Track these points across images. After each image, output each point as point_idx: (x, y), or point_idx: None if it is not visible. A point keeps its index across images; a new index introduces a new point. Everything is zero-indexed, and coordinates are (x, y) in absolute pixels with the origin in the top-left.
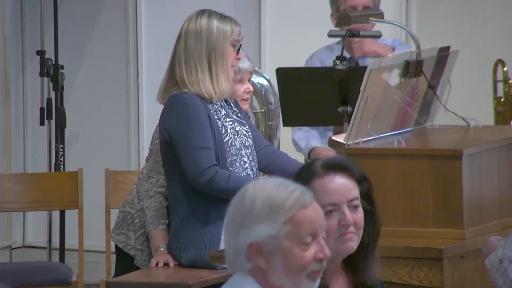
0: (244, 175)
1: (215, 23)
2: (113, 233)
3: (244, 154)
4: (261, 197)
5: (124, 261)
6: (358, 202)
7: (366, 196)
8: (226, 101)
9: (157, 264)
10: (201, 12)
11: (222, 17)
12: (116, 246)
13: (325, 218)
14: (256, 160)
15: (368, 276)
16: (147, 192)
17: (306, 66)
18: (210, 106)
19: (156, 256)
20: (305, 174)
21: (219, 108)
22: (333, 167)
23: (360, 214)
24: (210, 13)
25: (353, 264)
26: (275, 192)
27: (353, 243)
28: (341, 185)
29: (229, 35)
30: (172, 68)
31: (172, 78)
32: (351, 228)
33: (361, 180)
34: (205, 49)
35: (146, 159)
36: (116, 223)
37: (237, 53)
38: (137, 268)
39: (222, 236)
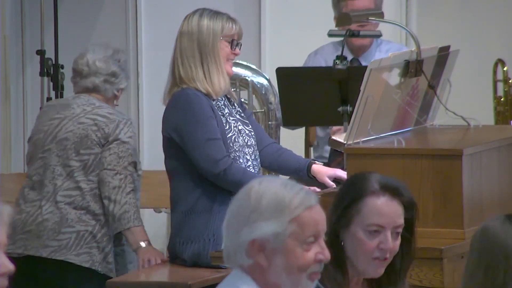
0: None
1: (205, 22)
2: (70, 254)
3: (246, 153)
4: (267, 194)
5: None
6: (401, 229)
7: (408, 223)
8: (229, 100)
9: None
10: (195, 12)
11: (215, 14)
12: (80, 266)
13: (366, 236)
14: (258, 159)
15: None
16: (122, 188)
17: (308, 61)
18: (213, 102)
19: (142, 254)
20: (359, 187)
21: (222, 106)
22: (390, 189)
23: (398, 242)
24: (202, 12)
25: (382, 286)
26: (281, 191)
27: (382, 270)
28: (393, 210)
29: (219, 32)
30: (172, 68)
31: (174, 79)
32: (387, 254)
33: (408, 207)
34: (197, 49)
35: (83, 170)
36: (66, 245)
37: (234, 48)
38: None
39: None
